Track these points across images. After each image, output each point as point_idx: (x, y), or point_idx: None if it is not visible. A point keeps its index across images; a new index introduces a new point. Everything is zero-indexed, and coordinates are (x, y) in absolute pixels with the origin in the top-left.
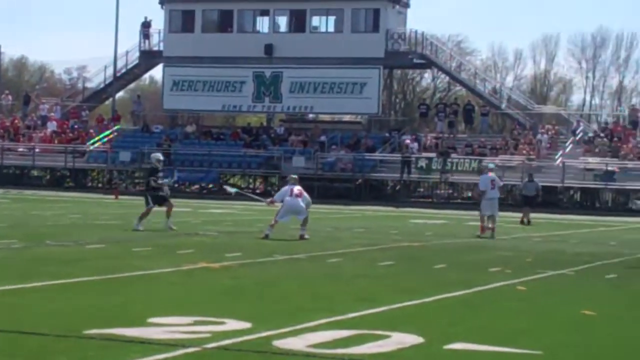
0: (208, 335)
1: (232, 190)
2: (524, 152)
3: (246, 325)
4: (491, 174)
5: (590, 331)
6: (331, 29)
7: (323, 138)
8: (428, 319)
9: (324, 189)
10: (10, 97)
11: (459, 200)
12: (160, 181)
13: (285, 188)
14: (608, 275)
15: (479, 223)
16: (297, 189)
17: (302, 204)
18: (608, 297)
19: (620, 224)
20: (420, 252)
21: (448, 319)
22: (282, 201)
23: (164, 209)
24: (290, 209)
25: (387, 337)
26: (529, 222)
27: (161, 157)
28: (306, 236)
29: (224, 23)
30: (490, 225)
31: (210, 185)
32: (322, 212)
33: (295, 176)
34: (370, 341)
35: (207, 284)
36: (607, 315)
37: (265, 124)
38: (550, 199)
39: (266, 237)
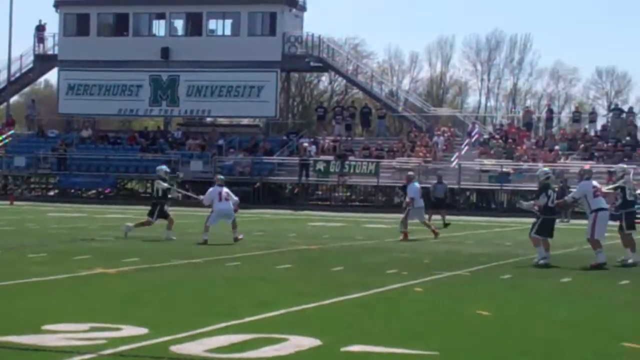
0: (104, 341)
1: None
2: (421, 154)
3: (143, 330)
4: (416, 184)
5: (486, 331)
6: (228, 32)
7: (221, 142)
8: (325, 321)
9: None
10: None
11: (357, 203)
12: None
13: (213, 190)
14: (503, 276)
15: (376, 225)
16: (225, 191)
17: (232, 207)
18: (503, 297)
19: (516, 224)
20: (318, 255)
21: (345, 322)
22: (210, 204)
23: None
24: (221, 213)
25: (285, 340)
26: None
27: (167, 169)
28: (240, 236)
29: (120, 26)
30: (406, 230)
31: (107, 190)
32: None
33: (222, 177)
34: (268, 345)
35: (104, 290)
36: (502, 315)
37: (162, 127)
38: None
39: (205, 242)
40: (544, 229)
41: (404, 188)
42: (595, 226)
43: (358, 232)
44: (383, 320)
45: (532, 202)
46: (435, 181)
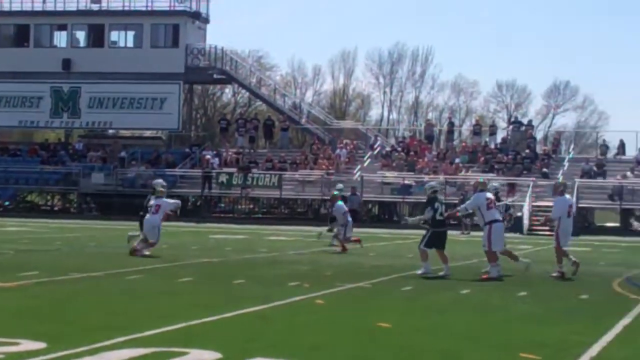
0: (2, 356)
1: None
2: (324, 166)
3: (41, 345)
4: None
5: (386, 343)
6: (130, 44)
7: (123, 154)
8: (226, 334)
9: (123, 205)
10: None
11: (260, 215)
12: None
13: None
14: (404, 288)
15: (278, 238)
16: (156, 203)
17: (157, 222)
18: (403, 309)
19: (417, 236)
20: (220, 268)
21: (246, 334)
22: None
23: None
24: (147, 226)
25: (185, 354)
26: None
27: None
28: (146, 252)
29: (21, 37)
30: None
31: (7, 203)
32: (121, 229)
33: (160, 187)
34: (168, 358)
35: (1, 304)
36: (402, 327)
37: (63, 139)
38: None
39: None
40: (433, 241)
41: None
42: (490, 238)
43: (260, 245)
44: (285, 333)
45: (418, 217)
46: (349, 193)
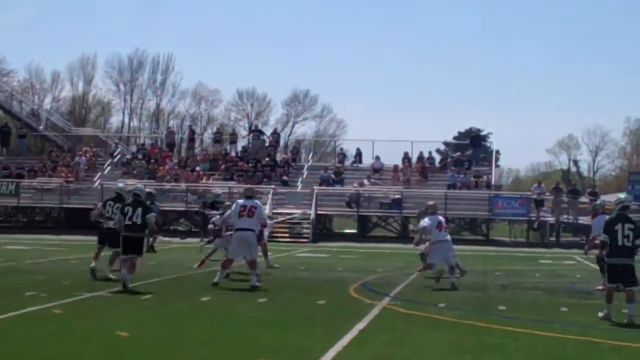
0: None
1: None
2: (62, 174)
3: None
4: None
5: (125, 352)
6: None
7: None
8: None
9: None
10: None
11: None
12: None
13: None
14: (144, 297)
15: (15, 247)
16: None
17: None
18: (143, 317)
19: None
20: None
21: None
22: None
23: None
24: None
25: None
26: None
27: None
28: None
29: None
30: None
31: None
32: None
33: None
34: None
35: None
36: (141, 336)
37: None
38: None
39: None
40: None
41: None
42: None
43: None
44: (21, 344)
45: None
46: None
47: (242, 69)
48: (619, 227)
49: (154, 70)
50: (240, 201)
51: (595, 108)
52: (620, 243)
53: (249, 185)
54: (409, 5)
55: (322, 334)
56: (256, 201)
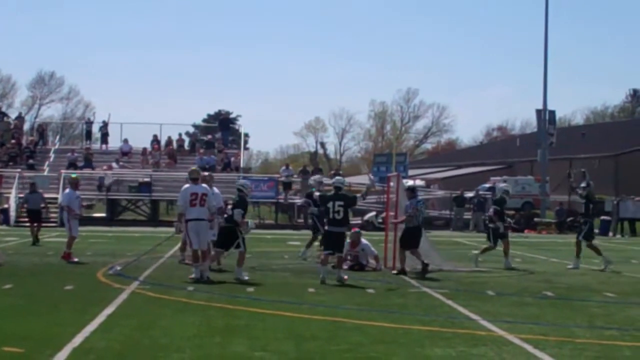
0: None
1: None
2: None
3: None
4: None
5: None
6: None
7: None
8: None
9: None
10: None
11: None
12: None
13: None
14: None
15: None
16: None
17: None
18: None
19: None
20: None
21: None
22: None
23: None
24: None
25: None
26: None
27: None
28: None
29: None
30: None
31: None
32: None
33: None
34: None
35: None
36: None
37: None
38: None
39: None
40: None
41: None
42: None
43: None
44: None
45: None
46: (27, 191)
47: None
48: (330, 204)
49: None
50: (187, 186)
51: (341, 92)
52: (331, 216)
53: (194, 167)
54: None
55: (70, 319)
56: (204, 185)
